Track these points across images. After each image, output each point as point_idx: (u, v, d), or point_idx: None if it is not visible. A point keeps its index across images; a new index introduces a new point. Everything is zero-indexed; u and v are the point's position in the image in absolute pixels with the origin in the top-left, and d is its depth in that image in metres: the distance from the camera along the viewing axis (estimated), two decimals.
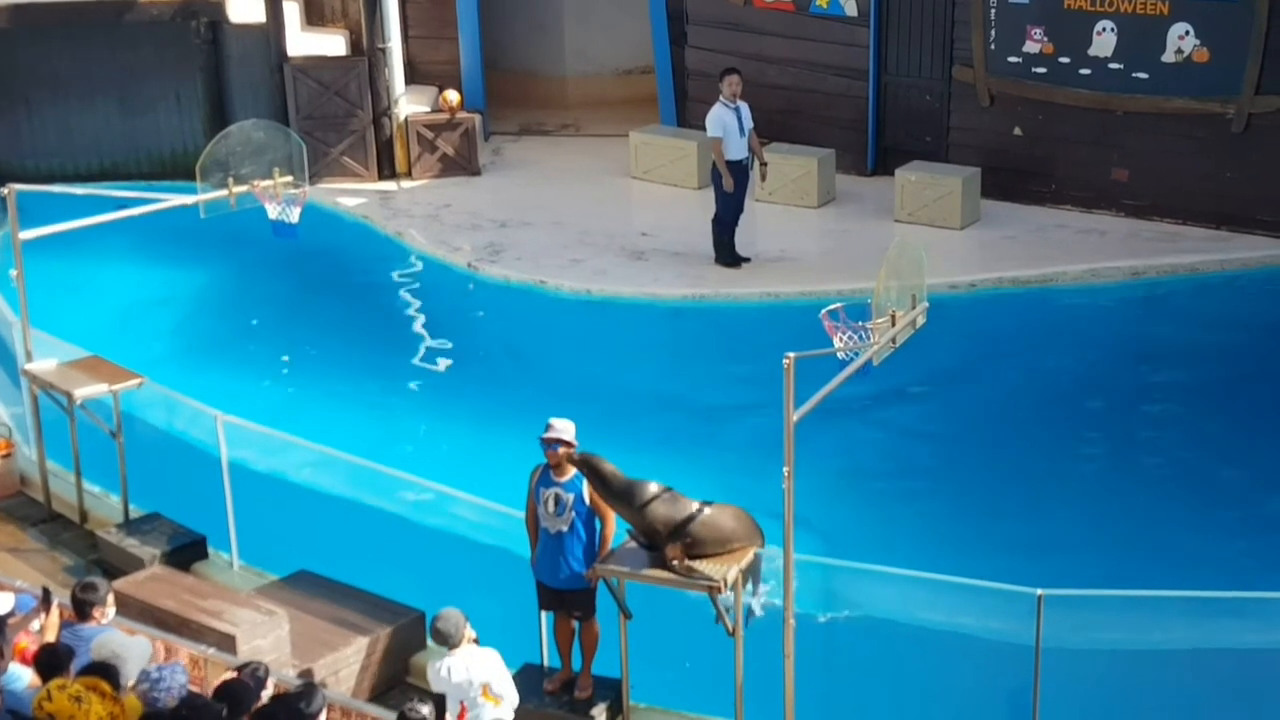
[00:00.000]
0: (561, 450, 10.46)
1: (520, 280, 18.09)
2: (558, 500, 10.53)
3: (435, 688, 9.46)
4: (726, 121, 17.49)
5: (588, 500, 10.50)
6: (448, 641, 9.55)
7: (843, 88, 20.23)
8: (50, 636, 9.02)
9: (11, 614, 9.23)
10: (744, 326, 17.01)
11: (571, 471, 10.49)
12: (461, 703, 9.39)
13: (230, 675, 8.51)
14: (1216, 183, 18.33)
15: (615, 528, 10.55)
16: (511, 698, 9.64)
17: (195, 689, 8.65)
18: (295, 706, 8.08)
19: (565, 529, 10.54)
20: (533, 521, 10.74)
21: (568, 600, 10.77)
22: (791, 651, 9.91)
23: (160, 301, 18.37)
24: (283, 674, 9.97)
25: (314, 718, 8.11)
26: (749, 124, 17.63)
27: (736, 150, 17.56)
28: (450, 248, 18.94)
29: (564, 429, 10.53)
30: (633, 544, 10.40)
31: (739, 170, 17.58)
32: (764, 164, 18.02)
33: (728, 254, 17.85)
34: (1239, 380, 15.80)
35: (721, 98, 17.55)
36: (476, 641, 9.63)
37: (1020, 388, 15.84)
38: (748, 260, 17.91)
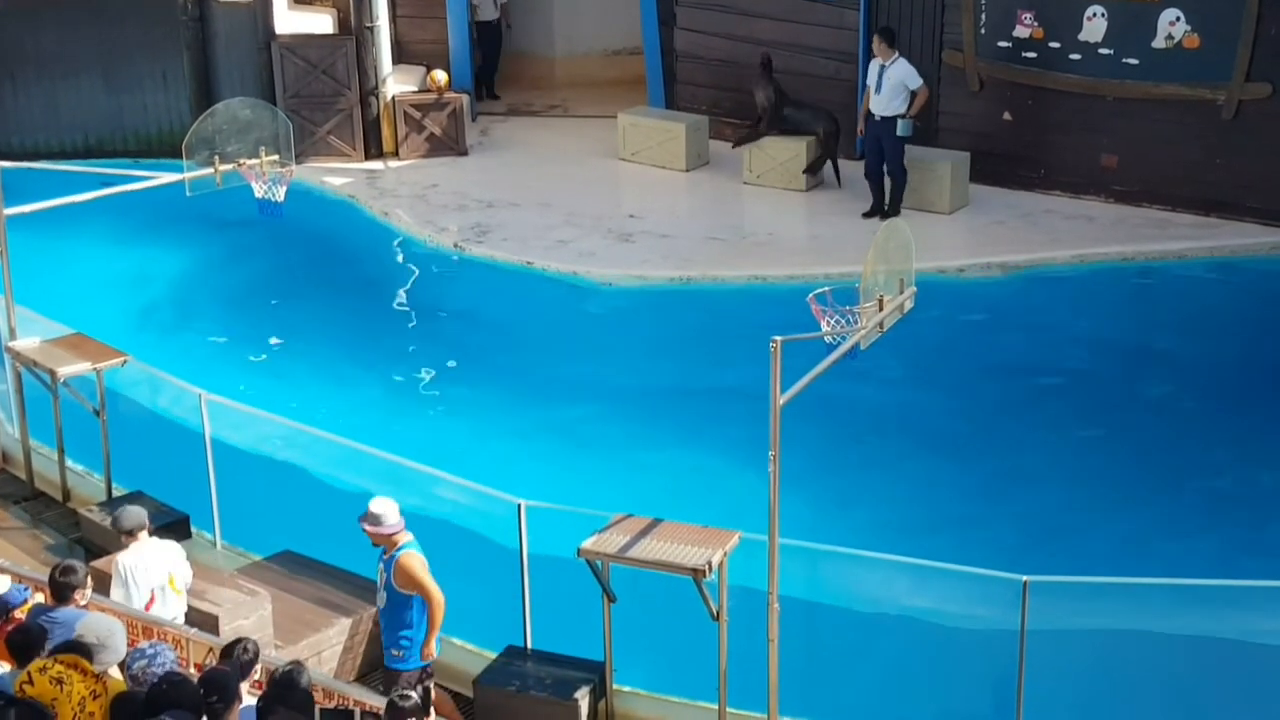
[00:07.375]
0: (374, 530, 9.94)
1: (507, 261, 18.04)
2: (380, 574, 10.08)
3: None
4: (870, 77, 18.48)
5: (397, 584, 9.94)
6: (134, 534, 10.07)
7: (832, 71, 20.20)
8: None
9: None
10: (731, 309, 16.97)
11: (393, 548, 9.92)
12: (152, 591, 9.95)
13: (213, 664, 8.48)
14: (1206, 169, 18.30)
15: (443, 608, 9.94)
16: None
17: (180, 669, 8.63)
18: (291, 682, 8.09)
19: (381, 605, 10.11)
20: None
21: (389, 678, 10.13)
22: (775, 636, 9.88)
23: (145, 279, 18.31)
24: (266, 654, 9.92)
25: (307, 693, 8.11)
26: (887, 83, 18.15)
27: (873, 104, 18.36)
28: (437, 228, 18.88)
29: (376, 516, 9.92)
30: (616, 526, 10.34)
31: (869, 124, 18.46)
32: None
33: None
34: (1227, 367, 15.79)
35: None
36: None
37: (1007, 373, 15.82)
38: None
